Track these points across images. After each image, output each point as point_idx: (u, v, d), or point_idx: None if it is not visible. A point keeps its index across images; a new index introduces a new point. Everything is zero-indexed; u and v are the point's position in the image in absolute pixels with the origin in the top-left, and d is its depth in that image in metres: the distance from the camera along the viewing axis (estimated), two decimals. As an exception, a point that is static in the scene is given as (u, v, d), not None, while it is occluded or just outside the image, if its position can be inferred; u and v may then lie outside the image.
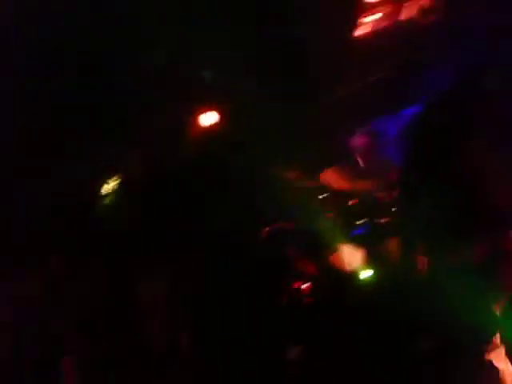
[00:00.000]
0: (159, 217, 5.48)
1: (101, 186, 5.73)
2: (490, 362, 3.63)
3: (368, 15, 5.79)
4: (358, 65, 5.96)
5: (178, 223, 5.53)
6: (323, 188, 5.61)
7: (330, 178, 5.69)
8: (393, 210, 5.23)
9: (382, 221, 5.30)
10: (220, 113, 5.75)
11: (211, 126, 5.78)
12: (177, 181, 5.61)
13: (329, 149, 6.12)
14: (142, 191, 5.51)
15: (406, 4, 5.78)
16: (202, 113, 5.79)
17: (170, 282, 5.16)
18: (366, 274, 5.13)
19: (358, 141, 5.85)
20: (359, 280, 5.14)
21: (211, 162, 5.66)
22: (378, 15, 5.86)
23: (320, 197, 5.58)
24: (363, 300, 5.00)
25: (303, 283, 5.28)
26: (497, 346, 3.72)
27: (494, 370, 3.61)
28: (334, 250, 5.36)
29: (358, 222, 5.37)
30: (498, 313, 3.81)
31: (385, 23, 5.95)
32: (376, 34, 5.99)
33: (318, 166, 5.80)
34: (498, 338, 3.74)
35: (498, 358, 3.68)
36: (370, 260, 5.16)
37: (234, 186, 5.49)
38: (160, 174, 5.63)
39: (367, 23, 5.88)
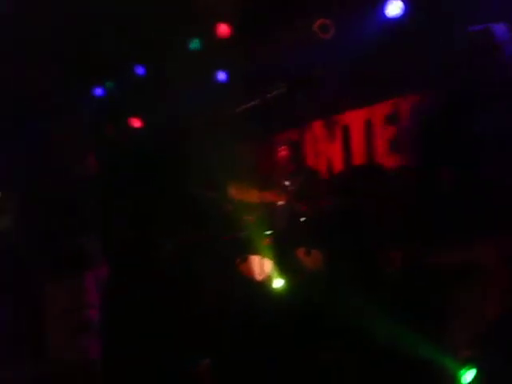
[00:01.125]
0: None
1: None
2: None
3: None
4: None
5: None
6: (232, 200, 5.66)
7: (237, 190, 5.75)
8: (301, 219, 5.38)
9: (291, 230, 5.42)
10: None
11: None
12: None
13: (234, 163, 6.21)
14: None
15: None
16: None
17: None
18: (276, 283, 5.22)
19: (279, 152, 5.97)
20: (270, 289, 5.22)
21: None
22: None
23: (229, 208, 5.62)
24: (274, 308, 5.08)
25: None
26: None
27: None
28: (244, 260, 5.43)
29: (266, 233, 5.46)
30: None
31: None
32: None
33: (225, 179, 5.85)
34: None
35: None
36: (280, 269, 5.25)
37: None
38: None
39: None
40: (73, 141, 4.34)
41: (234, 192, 5.71)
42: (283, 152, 5.96)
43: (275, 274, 5.25)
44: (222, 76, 6.54)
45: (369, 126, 6.64)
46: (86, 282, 4.17)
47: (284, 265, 5.30)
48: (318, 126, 7.00)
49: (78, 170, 4.18)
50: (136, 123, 6.83)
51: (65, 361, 4.21)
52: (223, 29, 6.27)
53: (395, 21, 5.43)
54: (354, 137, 6.73)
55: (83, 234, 4.36)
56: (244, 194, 5.71)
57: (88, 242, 4.39)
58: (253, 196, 5.70)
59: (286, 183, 5.81)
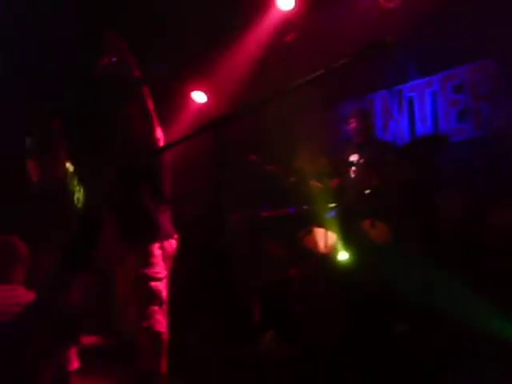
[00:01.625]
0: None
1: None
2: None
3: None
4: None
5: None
6: (295, 173, 5.61)
7: (301, 163, 5.69)
8: (366, 192, 5.31)
9: (357, 202, 5.36)
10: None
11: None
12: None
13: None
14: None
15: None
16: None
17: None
18: (341, 256, 5.18)
19: (348, 124, 5.90)
20: (335, 262, 5.18)
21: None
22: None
23: (292, 181, 5.59)
24: (339, 282, 5.06)
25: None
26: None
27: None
28: (309, 233, 5.40)
29: (331, 205, 5.41)
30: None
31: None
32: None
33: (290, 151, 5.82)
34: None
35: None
36: (346, 242, 5.20)
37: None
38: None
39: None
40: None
41: (298, 164, 5.67)
42: (352, 124, 5.88)
43: (340, 246, 5.20)
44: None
45: (435, 95, 6.51)
46: (153, 253, 4.24)
47: (349, 238, 5.25)
48: (385, 97, 6.90)
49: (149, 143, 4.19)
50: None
51: (133, 333, 4.31)
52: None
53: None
54: (421, 107, 6.60)
55: (154, 205, 4.43)
56: (308, 166, 5.66)
57: (158, 213, 4.47)
58: (317, 168, 5.64)
59: (354, 155, 5.74)
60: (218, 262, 4.83)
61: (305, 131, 6.89)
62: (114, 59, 4.18)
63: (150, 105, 4.06)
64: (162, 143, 4.19)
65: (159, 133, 4.16)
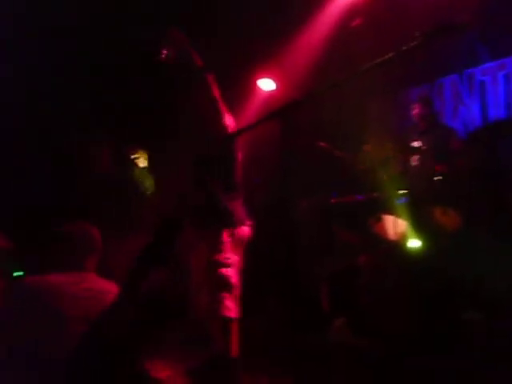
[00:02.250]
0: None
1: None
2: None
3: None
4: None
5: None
6: (364, 159, 5.56)
7: (370, 149, 5.64)
8: (435, 178, 5.22)
9: (426, 189, 5.28)
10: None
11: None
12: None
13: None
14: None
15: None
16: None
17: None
18: (412, 243, 5.11)
19: (412, 110, 5.83)
20: (405, 250, 5.12)
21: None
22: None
23: (361, 168, 5.54)
24: (409, 269, 5.00)
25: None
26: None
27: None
28: (378, 220, 5.35)
29: (402, 192, 5.35)
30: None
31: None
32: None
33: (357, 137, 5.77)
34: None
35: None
36: (416, 229, 5.13)
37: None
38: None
39: None
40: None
41: (367, 150, 5.61)
42: (415, 110, 5.79)
43: (410, 234, 5.13)
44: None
45: (508, 78, 6.32)
46: (224, 239, 4.29)
47: (419, 225, 5.18)
48: (454, 81, 6.75)
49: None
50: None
51: (206, 319, 4.39)
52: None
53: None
54: (494, 91, 6.42)
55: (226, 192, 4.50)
56: (377, 153, 5.60)
57: (229, 200, 4.54)
58: (386, 154, 5.57)
59: (417, 142, 5.65)
60: (287, 249, 4.84)
61: (372, 117, 6.82)
62: (177, 49, 4.28)
63: (216, 92, 4.10)
64: (231, 130, 4.23)
65: (228, 120, 4.20)
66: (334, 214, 5.58)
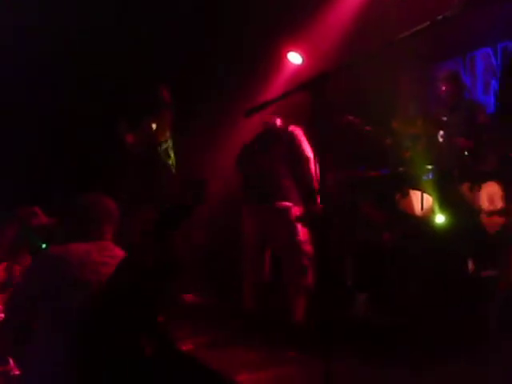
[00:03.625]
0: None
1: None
2: None
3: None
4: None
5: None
6: (392, 133, 5.51)
7: (398, 123, 5.58)
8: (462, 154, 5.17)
9: (454, 165, 5.22)
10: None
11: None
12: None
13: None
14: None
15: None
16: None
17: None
18: (438, 219, 5.07)
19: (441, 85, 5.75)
20: (431, 225, 5.08)
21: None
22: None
23: (388, 142, 5.49)
24: (435, 245, 4.97)
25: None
26: None
27: None
28: (405, 196, 5.31)
29: (428, 167, 5.30)
30: None
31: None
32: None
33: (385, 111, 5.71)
34: None
35: None
36: (443, 205, 5.08)
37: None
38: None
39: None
40: None
41: (395, 125, 5.55)
42: (443, 86, 5.71)
43: (437, 209, 5.09)
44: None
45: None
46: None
47: (447, 201, 5.13)
48: (485, 55, 6.62)
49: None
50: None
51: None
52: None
53: None
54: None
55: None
56: (405, 128, 5.54)
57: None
58: (414, 129, 5.50)
59: (446, 117, 5.57)
60: (315, 223, 4.89)
61: (402, 91, 6.73)
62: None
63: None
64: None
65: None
66: (361, 189, 5.54)
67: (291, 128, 5.05)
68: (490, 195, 4.98)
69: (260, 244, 5.06)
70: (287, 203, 4.93)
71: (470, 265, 4.74)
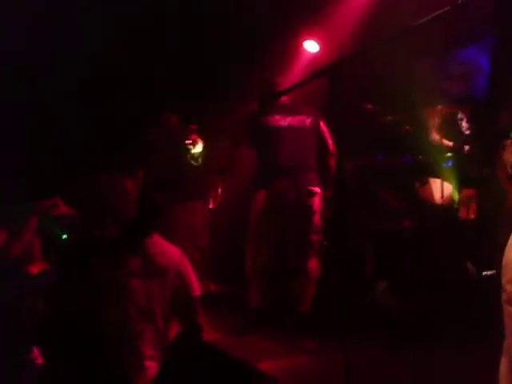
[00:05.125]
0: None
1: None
2: None
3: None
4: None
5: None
6: (410, 121, 5.48)
7: (419, 110, 5.54)
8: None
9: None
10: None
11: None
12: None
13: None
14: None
15: None
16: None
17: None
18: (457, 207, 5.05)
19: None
20: (452, 214, 5.06)
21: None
22: None
23: (407, 130, 5.46)
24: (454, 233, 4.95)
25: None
26: None
27: None
28: (424, 184, 5.28)
29: (448, 155, 5.26)
30: None
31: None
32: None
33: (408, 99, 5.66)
34: None
35: None
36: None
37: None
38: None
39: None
40: None
41: (413, 112, 5.52)
42: (458, 73, 5.67)
43: (456, 198, 5.07)
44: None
45: None
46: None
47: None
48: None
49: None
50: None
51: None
52: None
53: None
54: None
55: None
56: (423, 115, 5.50)
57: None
58: (432, 117, 5.47)
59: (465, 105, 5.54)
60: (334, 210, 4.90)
61: (421, 78, 6.65)
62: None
63: None
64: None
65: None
66: (380, 177, 5.52)
67: (321, 123, 5.04)
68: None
69: (268, 228, 4.96)
70: (313, 188, 4.93)
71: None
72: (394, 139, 5.59)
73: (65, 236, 3.91)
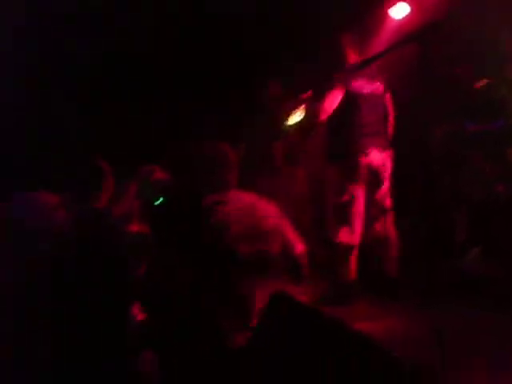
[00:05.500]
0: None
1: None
2: None
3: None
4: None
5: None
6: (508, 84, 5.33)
7: None
8: None
9: None
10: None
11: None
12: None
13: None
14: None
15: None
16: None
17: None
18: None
19: None
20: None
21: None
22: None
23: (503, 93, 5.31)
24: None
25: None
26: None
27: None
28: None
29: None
30: None
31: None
32: None
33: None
34: None
35: None
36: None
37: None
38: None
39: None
40: None
41: (509, 76, 5.36)
42: None
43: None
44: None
45: None
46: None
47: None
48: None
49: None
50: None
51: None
52: None
53: None
54: None
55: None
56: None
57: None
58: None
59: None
60: (423, 174, 4.89)
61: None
62: None
63: None
64: None
65: None
66: (471, 142, 5.42)
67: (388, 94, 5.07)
68: None
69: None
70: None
71: None
72: (487, 104, 5.46)
73: (161, 199, 4.07)
